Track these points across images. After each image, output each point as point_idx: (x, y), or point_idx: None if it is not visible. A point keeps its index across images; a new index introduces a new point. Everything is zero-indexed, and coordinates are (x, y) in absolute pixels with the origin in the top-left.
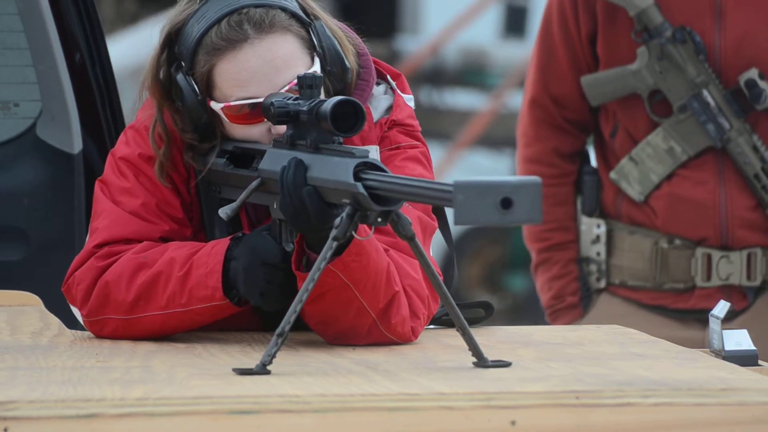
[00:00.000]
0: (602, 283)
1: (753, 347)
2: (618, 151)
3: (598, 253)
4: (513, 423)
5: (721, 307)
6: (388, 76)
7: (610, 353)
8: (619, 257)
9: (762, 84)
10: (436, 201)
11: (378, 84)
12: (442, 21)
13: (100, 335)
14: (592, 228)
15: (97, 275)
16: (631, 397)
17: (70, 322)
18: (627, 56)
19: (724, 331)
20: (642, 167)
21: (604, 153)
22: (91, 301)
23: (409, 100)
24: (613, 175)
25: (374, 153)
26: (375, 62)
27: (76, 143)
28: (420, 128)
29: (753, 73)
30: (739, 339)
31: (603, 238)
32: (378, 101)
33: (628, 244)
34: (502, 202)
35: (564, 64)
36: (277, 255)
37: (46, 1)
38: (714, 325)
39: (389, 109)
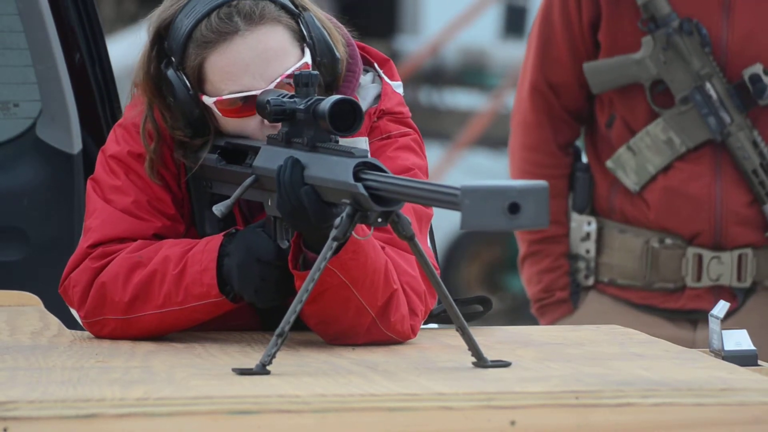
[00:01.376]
0: (590, 281)
1: (753, 347)
2: (614, 141)
3: (588, 251)
4: (513, 423)
5: (721, 307)
6: (375, 64)
7: (610, 353)
8: (608, 255)
9: (766, 79)
10: (442, 204)
11: (365, 72)
12: (442, 21)
13: (99, 336)
14: (583, 225)
15: (93, 276)
16: (630, 397)
17: (70, 322)
18: (630, 45)
19: (724, 331)
20: (639, 157)
21: (596, 145)
22: (88, 302)
23: (397, 86)
24: (609, 163)
25: (363, 144)
26: (362, 48)
27: (75, 143)
28: (410, 114)
29: (758, 68)
30: (738, 339)
31: (593, 236)
32: (366, 90)
33: (619, 243)
34: (509, 207)
35: (563, 52)
36: (271, 252)
37: (46, 1)
38: (714, 325)
39: (377, 98)
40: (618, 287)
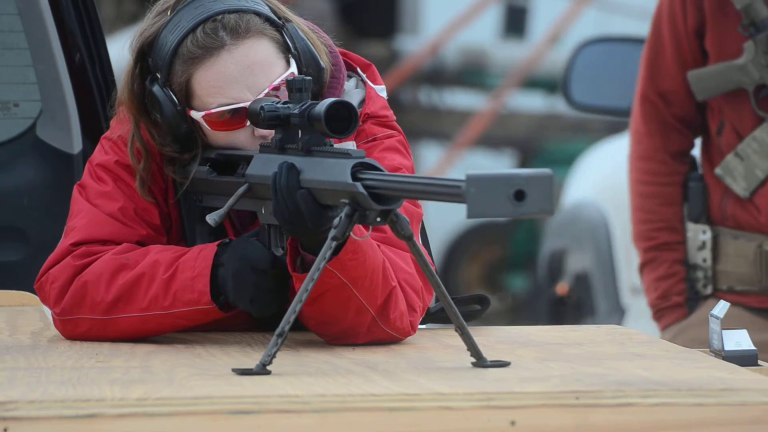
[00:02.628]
0: (709, 290)
1: (753, 347)
2: (723, 148)
3: (704, 260)
4: (513, 423)
5: (721, 307)
6: (358, 69)
7: (610, 353)
8: (725, 263)
9: None
10: (446, 197)
11: (348, 78)
12: (442, 21)
13: (71, 335)
14: (698, 234)
15: (74, 274)
16: (630, 397)
17: None
18: (735, 51)
19: (724, 331)
20: (747, 163)
21: (709, 152)
22: (65, 299)
23: (381, 90)
24: (718, 171)
25: (352, 147)
26: (344, 54)
27: (75, 143)
28: (395, 117)
29: None
30: (739, 339)
31: (709, 245)
32: (350, 96)
33: (733, 249)
34: (515, 194)
35: (670, 60)
36: (266, 261)
37: (46, 1)
38: (714, 325)
39: (362, 102)
40: (737, 293)
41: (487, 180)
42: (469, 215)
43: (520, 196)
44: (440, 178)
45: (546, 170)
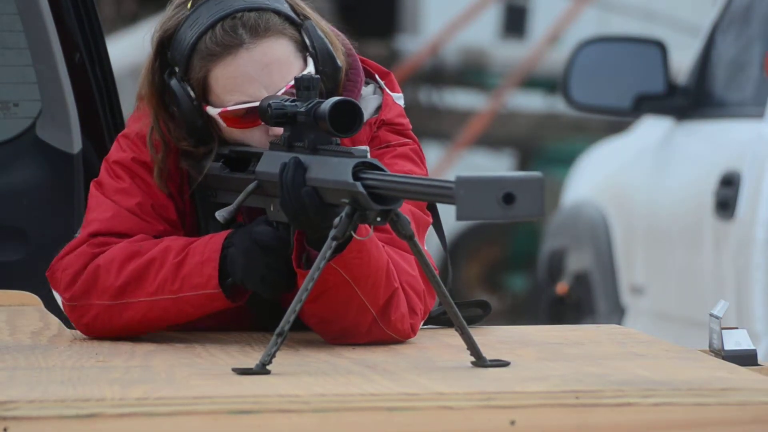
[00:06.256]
0: None
1: (753, 347)
2: None
3: None
4: (512, 423)
5: (721, 307)
6: (377, 76)
7: (610, 353)
8: None
9: None
10: (437, 198)
11: (366, 84)
12: (442, 21)
13: (79, 322)
14: None
15: (88, 261)
16: (631, 397)
17: (70, 322)
18: None
19: (724, 331)
20: None
21: None
22: (78, 285)
23: (398, 98)
24: None
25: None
26: (363, 61)
27: (75, 143)
28: (410, 126)
29: None
30: (738, 339)
31: None
32: (367, 101)
33: None
34: (504, 197)
35: None
36: (276, 240)
37: (46, 1)
38: (714, 325)
39: (378, 108)
40: None
41: (476, 182)
42: (458, 217)
43: (509, 198)
44: (435, 179)
45: (536, 173)
